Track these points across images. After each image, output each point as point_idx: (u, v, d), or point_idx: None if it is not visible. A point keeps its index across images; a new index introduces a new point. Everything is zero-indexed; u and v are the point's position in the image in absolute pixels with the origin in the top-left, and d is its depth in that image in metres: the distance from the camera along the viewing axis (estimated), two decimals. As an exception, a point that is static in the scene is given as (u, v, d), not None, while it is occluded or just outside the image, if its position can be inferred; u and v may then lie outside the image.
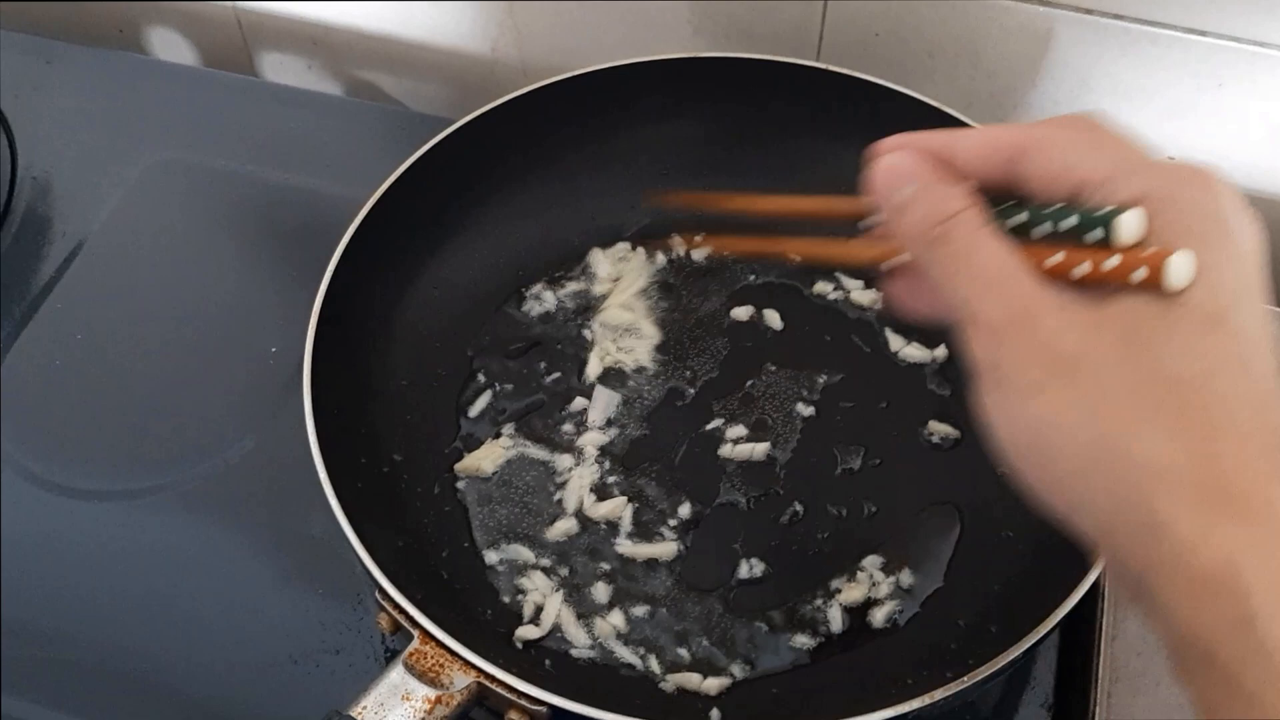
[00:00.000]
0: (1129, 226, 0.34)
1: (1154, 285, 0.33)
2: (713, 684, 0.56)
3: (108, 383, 0.70)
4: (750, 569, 0.60)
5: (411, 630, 0.49)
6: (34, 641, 0.60)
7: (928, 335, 0.68)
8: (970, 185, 0.37)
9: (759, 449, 0.63)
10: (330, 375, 0.58)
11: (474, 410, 0.65)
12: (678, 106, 0.72)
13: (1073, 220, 0.35)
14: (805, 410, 0.65)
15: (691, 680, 0.56)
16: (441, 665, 0.48)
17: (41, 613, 0.61)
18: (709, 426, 0.65)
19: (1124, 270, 0.33)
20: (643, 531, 0.61)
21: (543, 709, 0.48)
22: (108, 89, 0.86)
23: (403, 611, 0.49)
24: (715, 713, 0.55)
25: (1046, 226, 0.36)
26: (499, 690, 0.48)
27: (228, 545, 0.64)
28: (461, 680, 0.48)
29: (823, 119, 0.72)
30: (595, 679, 0.56)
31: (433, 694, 0.47)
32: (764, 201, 0.53)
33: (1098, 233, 0.35)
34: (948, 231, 0.36)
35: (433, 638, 0.49)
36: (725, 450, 0.64)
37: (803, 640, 0.57)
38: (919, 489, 0.62)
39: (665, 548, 0.60)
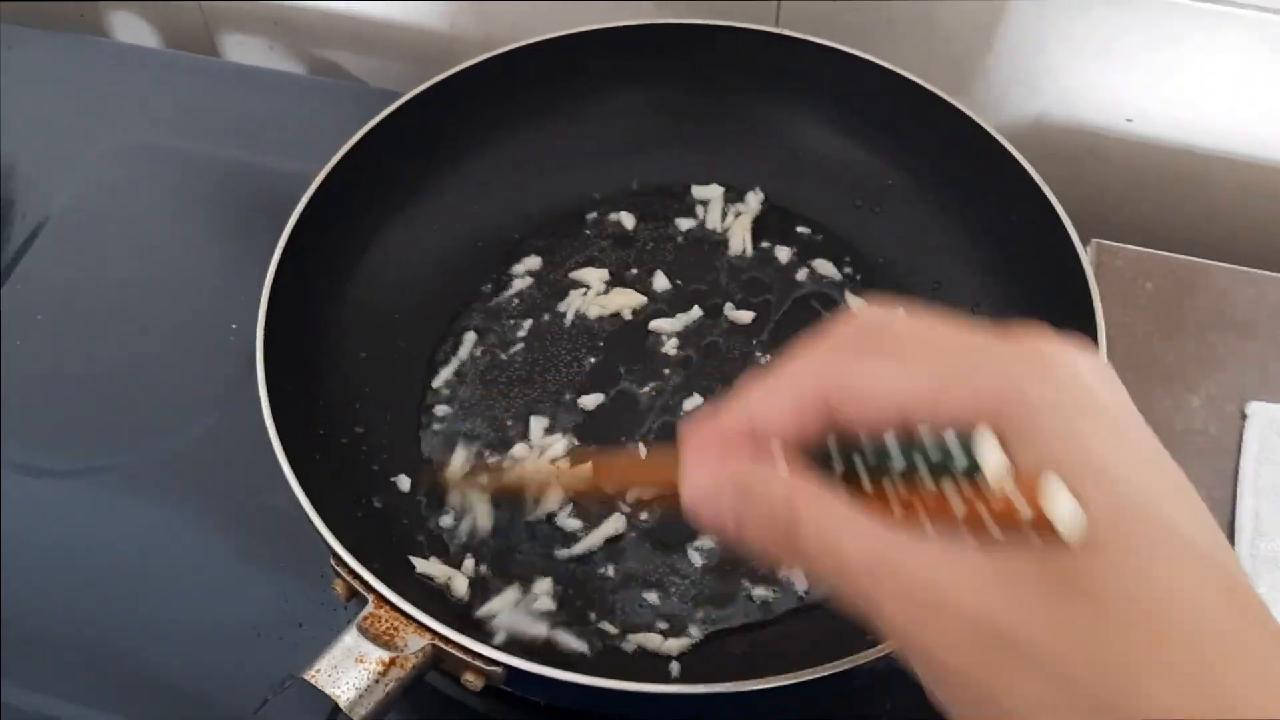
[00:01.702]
0: (991, 456, 0.29)
1: (1041, 526, 0.28)
2: (673, 644, 0.56)
3: (69, 363, 0.70)
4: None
5: (366, 594, 0.49)
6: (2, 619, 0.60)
7: (886, 300, 0.68)
8: (780, 451, 0.32)
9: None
10: (285, 350, 0.58)
11: (437, 382, 0.65)
12: (636, 73, 0.72)
13: (907, 462, 0.30)
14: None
15: (651, 640, 0.56)
16: (395, 628, 0.48)
17: (4, 590, 0.61)
18: (671, 395, 0.65)
19: (1004, 517, 0.28)
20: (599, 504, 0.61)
21: (498, 670, 0.48)
22: (69, 73, 0.86)
23: (356, 576, 0.49)
24: (675, 666, 0.55)
25: (904, 465, 0.31)
26: (454, 652, 0.48)
27: (191, 521, 0.64)
28: (416, 642, 0.48)
29: (782, 85, 0.72)
30: (551, 640, 0.56)
31: (387, 656, 0.47)
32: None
33: (951, 462, 0.29)
34: (791, 525, 0.31)
35: (387, 601, 0.49)
36: (684, 415, 0.64)
37: (763, 595, 0.58)
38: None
39: (614, 523, 0.60)
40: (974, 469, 0.29)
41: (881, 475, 0.31)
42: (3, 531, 0.63)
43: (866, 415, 0.31)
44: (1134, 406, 0.32)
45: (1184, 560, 0.28)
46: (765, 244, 0.71)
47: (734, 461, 0.33)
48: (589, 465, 0.49)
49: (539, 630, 0.56)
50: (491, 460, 0.61)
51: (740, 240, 0.71)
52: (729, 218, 0.71)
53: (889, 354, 0.32)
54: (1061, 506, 0.27)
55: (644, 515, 0.60)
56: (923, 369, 0.31)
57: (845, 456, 0.32)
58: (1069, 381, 0.30)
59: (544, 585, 0.58)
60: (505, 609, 0.57)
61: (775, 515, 0.32)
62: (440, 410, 0.64)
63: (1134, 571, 0.28)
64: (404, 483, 0.61)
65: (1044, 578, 0.28)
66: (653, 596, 0.58)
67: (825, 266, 0.70)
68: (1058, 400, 0.29)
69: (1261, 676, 0.27)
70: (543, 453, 0.62)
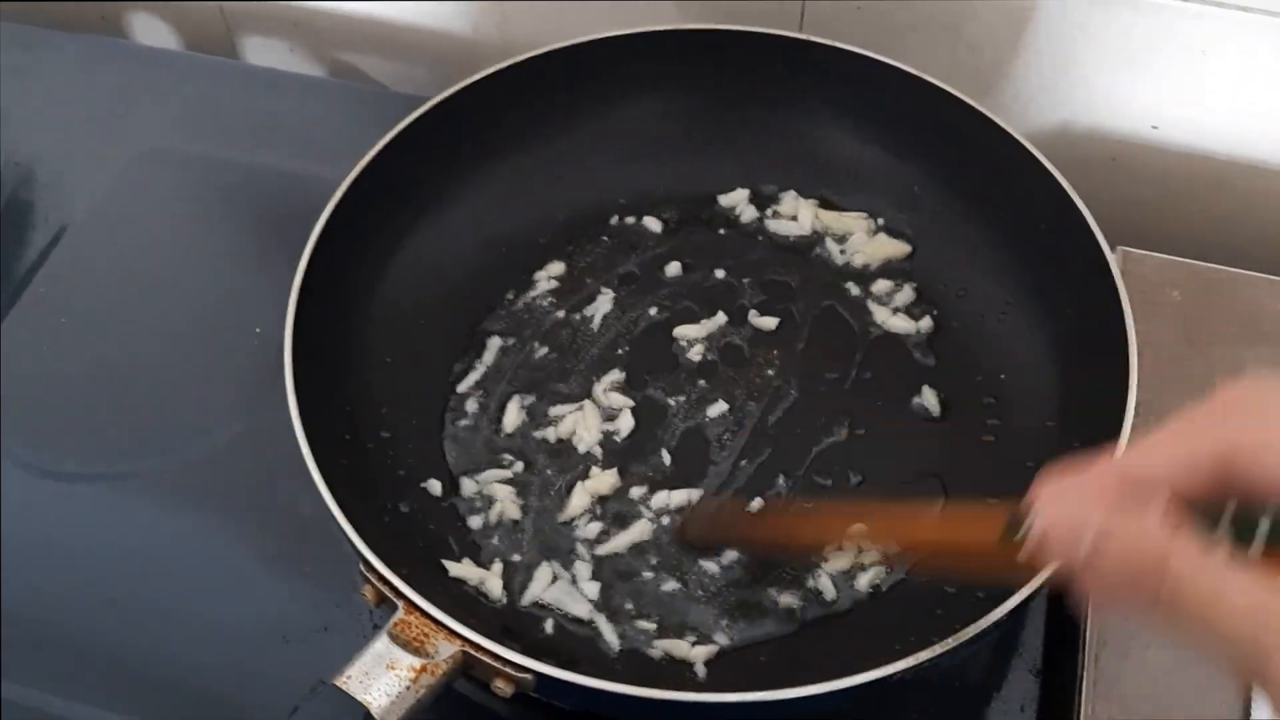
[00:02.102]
0: None
1: None
2: (700, 651, 0.56)
3: (94, 367, 0.70)
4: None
5: (396, 601, 0.49)
6: (26, 625, 0.59)
7: (913, 307, 0.68)
8: (1163, 503, 0.32)
9: (747, 422, 0.63)
10: (312, 354, 0.58)
11: (463, 386, 0.65)
12: (660, 79, 0.72)
13: None
14: (790, 385, 0.65)
15: (679, 647, 0.56)
16: (426, 635, 0.48)
17: (33, 597, 0.60)
18: (696, 403, 0.65)
19: None
20: (624, 509, 0.61)
21: (528, 677, 0.48)
22: (91, 75, 0.86)
23: (386, 582, 0.49)
24: (701, 673, 0.55)
25: None
26: (484, 659, 0.48)
27: (218, 526, 0.64)
28: (446, 649, 0.48)
29: (807, 90, 0.72)
30: (580, 647, 0.56)
31: (418, 663, 0.47)
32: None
33: None
34: (1161, 579, 0.31)
35: (417, 608, 0.48)
36: (710, 422, 0.64)
37: (790, 606, 0.57)
38: (904, 458, 0.62)
39: (640, 528, 0.60)
40: None
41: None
42: (28, 537, 0.63)
43: (1257, 481, 0.31)
44: None
45: None
46: (793, 245, 0.71)
47: (1106, 495, 0.32)
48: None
49: (582, 609, 0.57)
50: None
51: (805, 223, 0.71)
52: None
53: None
54: None
55: (666, 520, 0.60)
56: None
57: (1233, 520, 0.32)
58: None
59: (584, 570, 0.58)
60: (545, 587, 0.57)
61: (1144, 558, 0.31)
62: (465, 415, 0.64)
63: None
64: (433, 486, 0.61)
65: None
66: (679, 603, 0.58)
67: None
68: None
69: None
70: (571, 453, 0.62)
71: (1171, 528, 0.31)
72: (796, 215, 0.71)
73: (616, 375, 0.65)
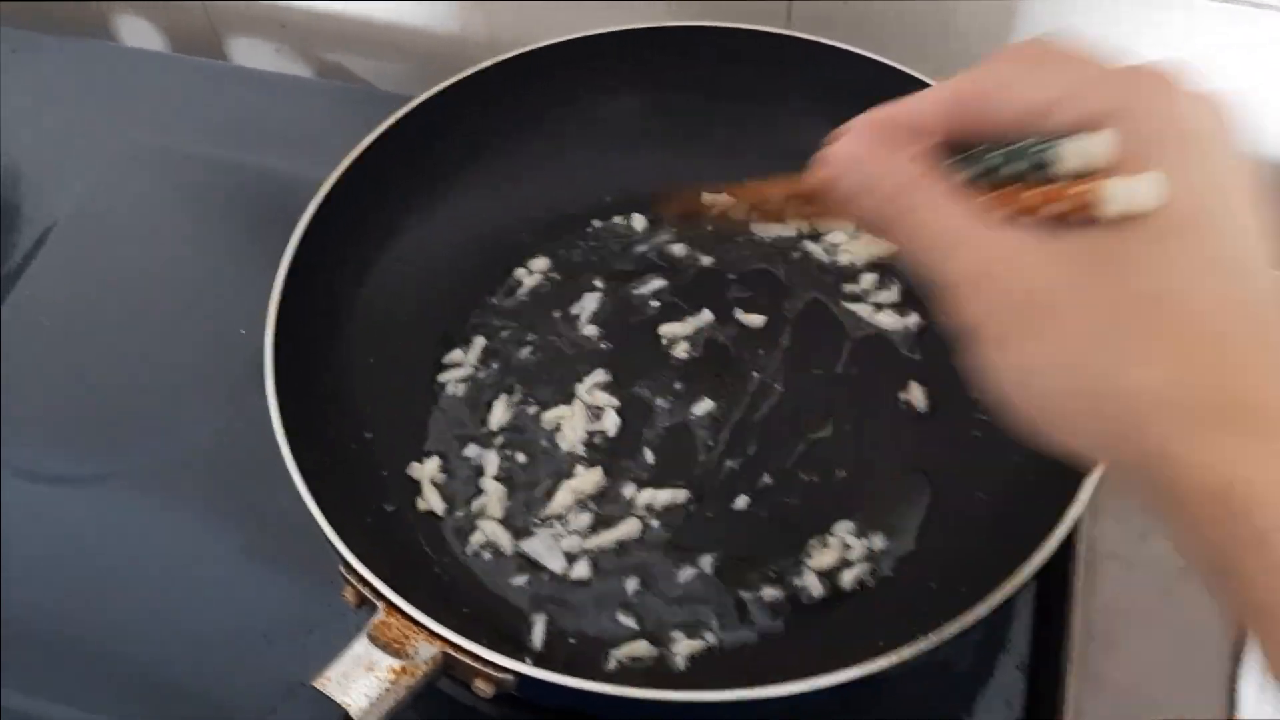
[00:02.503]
0: (1070, 155, 0.32)
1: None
2: (684, 648, 0.56)
3: (76, 368, 0.70)
4: (723, 535, 0.59)
5: (376, 602, 0.49)
6: (5, 623, 0.59)
7: (899, 304, 0.68)
8: (920, 148, 0.35)
9: (732, 419, 0.63)
10: (294, 354, 0.58)
11: (447, 385, 0.65)
12: (647, 76, 0.72)
13: (1023, 159, 0.33)
14: (776, 382, 0.65)
15: (664, 645, 0.56)
16: (406, 636, 0.48)
17: (12, 596, 0.60)
18: (682, 401, 0.64)
19: (1079, 201, 0.31)
20: (613, 505, 0.61)
21: (509, 677, 0.48)
22: (75, 77, 0.86)
23: (366, 583, 0.49)
24: (683, 671, 0.55)
25: (1011, 166, 0.34)
26: (465, 660, 0.48)
27: (200, 526, 0.63)
28: (427, 650, 0.48)
29: (794, 86, 0.72)
30: (562, 647, 0.56)
31: (397, 664, 0.47)
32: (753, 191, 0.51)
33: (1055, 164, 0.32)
34: (899, 204, 0.35)
35: (397, 609, 0.48)
36: (696, 420, 0.63)
37: (775, 603, 0.57)
38: (891, 454, 0.62)
39: (629, 526, 0.60)
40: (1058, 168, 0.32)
41: (998, 177, 0.34)
42: (10, 538, 0.62)
43: (1007, 115, 0.33)
44: (1238, 146, 0.33)
45: (1227, 267, 0.30)
46: (778, 242, 0.71)
47: (873, 143, 0.36)
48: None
49: (582, 572, 0.58)
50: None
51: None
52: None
53: (1035, 63, 0.34)
54: (1122, 183, 0.30)
55: (655, 523, 0.60)
56: (1056, 77, 0.33)
57: (994, 161, 0.34)
58: (1177, 112, 0.32)
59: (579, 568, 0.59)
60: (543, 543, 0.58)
61: (884, 191, 0.35)
62: (449, 414, 0.64)
63: (1171, 255, 0.30)
64: (414, 488, 0.61)
65: (1089, 252, 0.31)
66: (663, 601, 0.57)
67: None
68: (1160, 127, 0.31)
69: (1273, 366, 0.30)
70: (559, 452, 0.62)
71: (917, 164, 0.35)
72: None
73: (602, 374, 0.65)
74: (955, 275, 0.33)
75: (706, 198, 0.51)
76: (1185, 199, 0.31)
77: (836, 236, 0.70)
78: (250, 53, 0.92)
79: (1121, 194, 0.30)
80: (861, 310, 0.67)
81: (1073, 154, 0.32)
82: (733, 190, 0.50)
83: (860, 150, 0.36)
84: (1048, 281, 0.32)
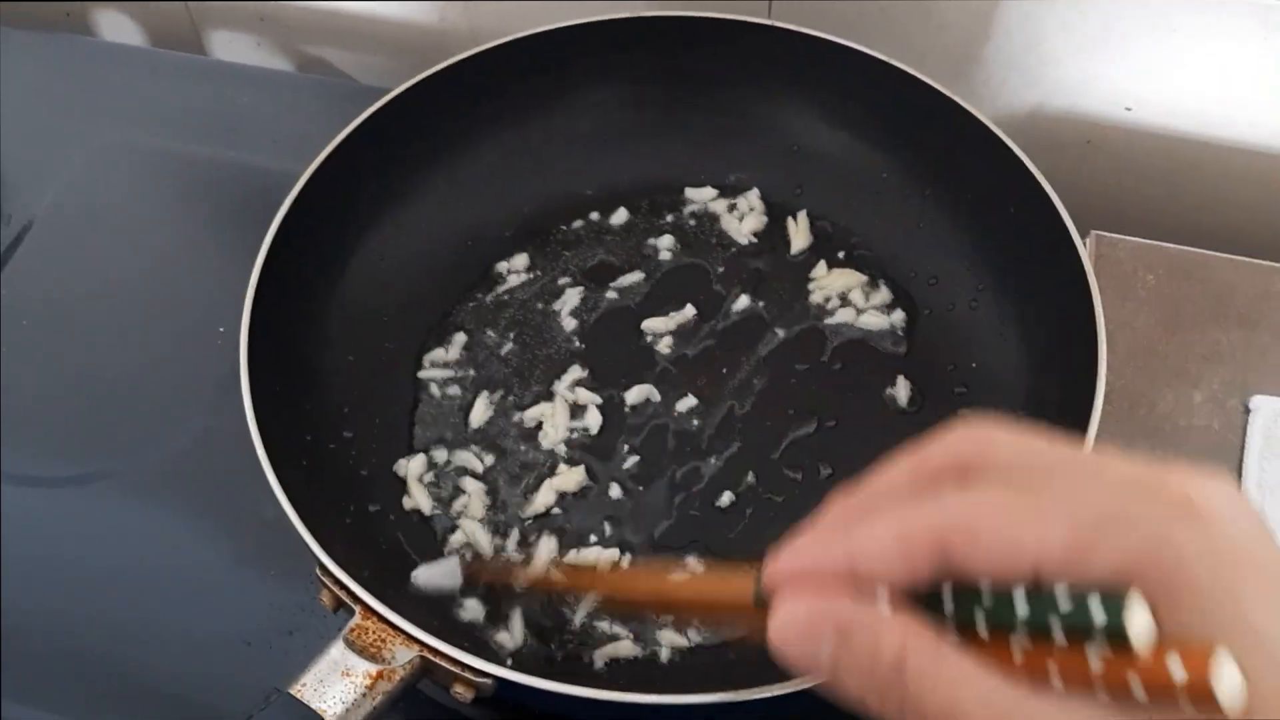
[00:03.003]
0: (1138, 630, 0.26)
1: (1198, 696, 0.26)
2: (667, 651, 0.55)
3: (56, 367, 0.69)
4: (707, 532, 0.59)
5: (353, 605, 0.48)
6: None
7: (886, 305, 0.67)
8: (891, 597, 0.30)
9: (715, 415, 0.63)
10: (271, 353, 0.57)
11: (428, 387, 0.64)
12: (627, 68, 0.71)
13: (1036, 616, 0.28)
14: (760, 377, 0.64)
15: (649, 646, 0.55)
16: (383, 640, 0.47)
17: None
18: (664, 397, 0.64)
19: (1155, 684, 0.26)
20: (592, 505, 0.60)
21: (488, 681, 0.47)
22: (55, 73, 0.85)
23: (342, 586, 0.49)
24: (667, 674, 0.54)
25: (1034, 619, 0.28)
26: (442, 664, 0.47)
27: (180, 528, 0.63)
28: (404, 654, 0.47)
29: (775, 77, 0.71)
30: (544, 648, 0.55)
31: (374, 669, 0.46)
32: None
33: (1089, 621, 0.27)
34: (897, 679, 0.29)
35: (374, 612, 0.48)
36: (678, 416, 0.63)
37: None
38: (875, 450, 0.61)
39: (611, 524, 0.59)
40: (1117, 630, 0.27)
41: (1002, 625, 0.29)
42: (-12, 541, 0.62)
43: (992, 565, 0.29)
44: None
45: None
46: (760, 239, 0.70)
47: (835, 601, 0.30)
48: (636, 576, 0.48)
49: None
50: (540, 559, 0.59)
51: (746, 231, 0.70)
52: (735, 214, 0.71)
53: (1018, 490, 0.29)
54: (1227, 677, 0.25)
55: (638, 521, 0.59)
56: (1060, 518, 0.28)
57: (959, 602, 0.30)
58: (1223, 534, 0.27)
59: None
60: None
61: (879, 663, 0.29)
62: (430, 412, 0.63)
63: None
64: (397, 486, 0.60)
65: None
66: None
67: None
68: (1214, 558, 0.27)
69: None
70: (541, 456, 0.62)
71: (903, 620, 0.29)
72: (757, 209, 0.71)
73: (583, 370, 0.65)
74: None
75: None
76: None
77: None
78: (230, 47, 0.92)
79: (1232, 680, 0.26)
80: (846, 309, 0.67)
81: (1141, 619, 0.27)
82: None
83: (826, 615, 0.30)
84: None
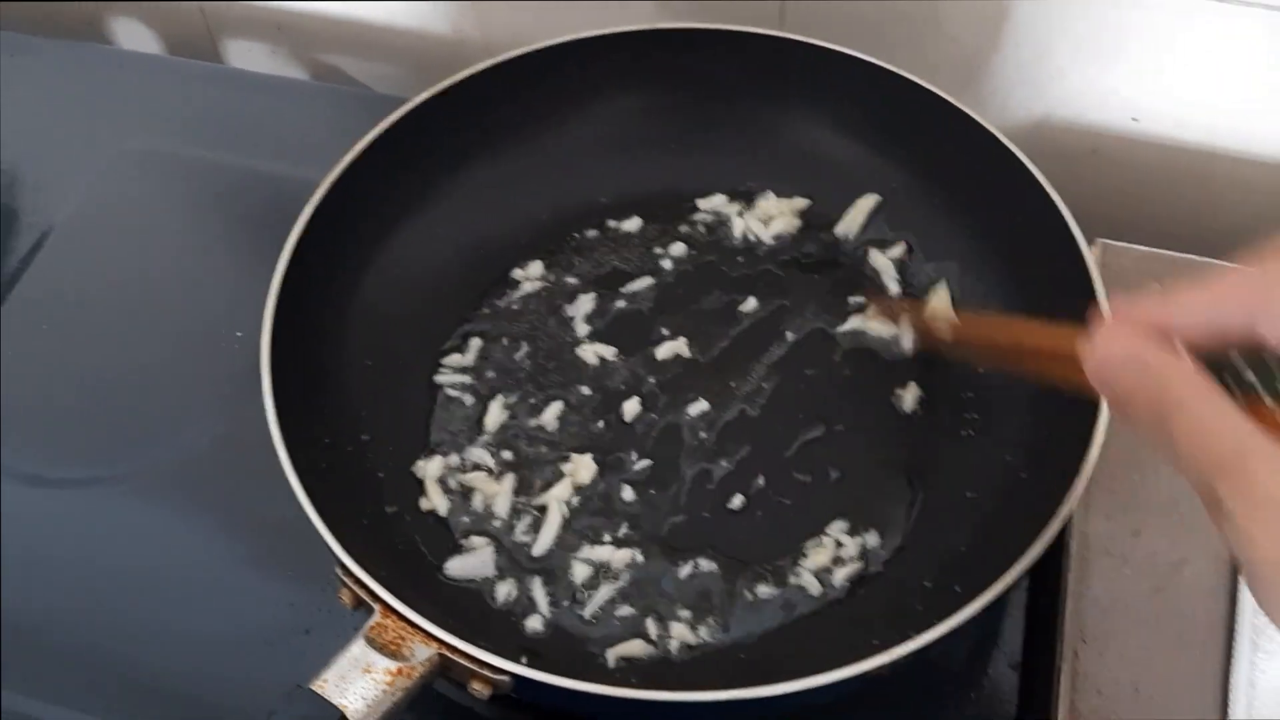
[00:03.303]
0: None
1: None
2: (681, 647, 0.56)
3: (75, 370, 0.70)
4: (718, 534, 0.60)
5: (373, 604, 0.49)
6: (3, 625, 0.60)
7: (890, 308, 0.68)
8: (1193, 356, 0.35)
9: (726, 419, 0.64)
10: (290, 357, 0.58)
11: (444, 387, 0.65)
12: (640, 78, 0.72)
13: None
14: (770, 382, 0.65)
15: (659, 644, 0.56)
16: (403, 638, 0.48)
17: (9, 598, 0.61)
18: (676, 400, 0.65)
19: None
20: (608, 506, 0.61)
21: (505, 678, 0.48)
22: (73, 80, 0.86)
23: (362, 585, 0.49)
24: (678, 661, 0.55)
25: None
26: (461, 661, 0.48)
27: (199, 530, 0.64)
28: (423, 652, 0.48)
29: (786, 88, 0.72)
30: (559, 647, 0.56)
31: (394, 666, 0.47)
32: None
33: None
34: (1181, 410, 0.33)
35: (394, 611, 0.49)
36: (690, 420, 0.64)
37: (770, 602, 0.58)
38: (883, 454, 0.63)
39: (624, 526, 0.60)
40: None
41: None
42: (8, 541, 0.63)
43: (1268, 330, 0.33)
44: None
45: None
46: (771, 246, 0.71)
47: (1142, 342, 0.36)
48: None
49: (580, 572, 0.58)
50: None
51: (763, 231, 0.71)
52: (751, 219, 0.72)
53: None
54: None
55: (651, 523, 0.60)
56: None
57: (1247, 369, 0.34)
58: None
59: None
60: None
61: (1162, 398, 0.34)
62: (446, 415, 0.64)
63: None
64: (414, 488, 0.61)
65: None
66: (659, 600, 0.58)
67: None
68: None
69: None
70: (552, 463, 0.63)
71: (1194, 369, 0.34)
72: (775, 216, 0.71)
73: (596, 376, 0.65)
74: (1240, 506, 0.31)
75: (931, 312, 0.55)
76: None
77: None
78: (246, 55, 0.93)
79: None
80: (855, 315, 0.68)
81: None
82: (969, 320, 0.54)
83: (1137, 350, 0.36)
84: None
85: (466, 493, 0.61)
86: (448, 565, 0.58)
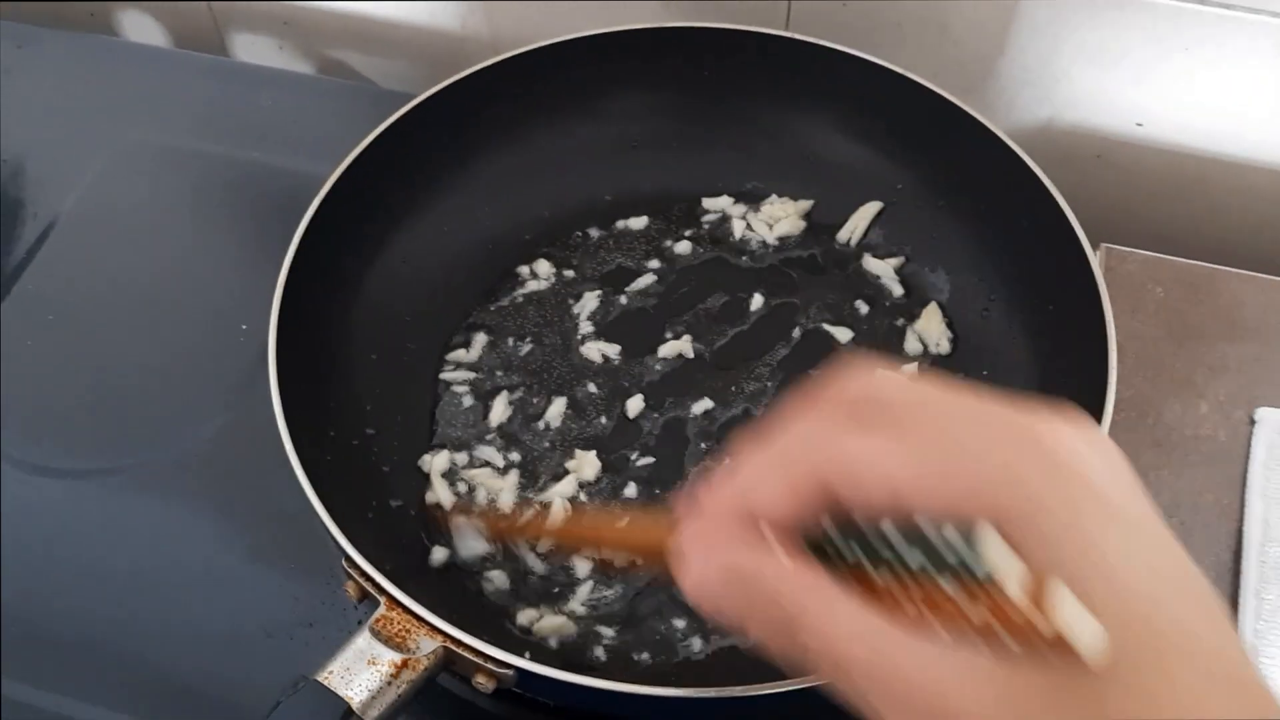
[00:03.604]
0: (1004, 567, 0.26)
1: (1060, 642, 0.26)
2: (685, 644, 0.56)
3: (80, 363, 0.70)
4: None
5: (378, 596, 0.49)
6: (6, 617, 0.60)
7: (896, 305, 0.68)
8: (781, 539, 0.31)
9: (729, 417, 0.64)
10: (297, 351, 0.58)
11: (449, 382, 0.65)
12: (646, 77, 0.73)
13: (906, 555, 0.28)
14: (775, 381, 0.65)
15: (659, 646, 0.56)
16: (408, 630, 0.48)
17: (14, 590, 0.61)
18: (680, 399, 0.65)
19: (1012, 622, 0.26)
20: (610, 501, 0.61)
21: (509, 672, 0.48)
22: (79, 72, 0.86)
23: (368, 578, 0.50)
24: (682, 658, 0.55)
25: (909, 559, 0.29)
26: (465, 654, 0.48)
27: (202, 521, 0.64)
28: (428, 644, 0.48)
29: (792, 88, 0.72)
30: (561, 642, 0.56)
31: (399, 658, 0.47)
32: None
33: (957, 558, 0.27)
34: (793, 629, 0.30)
35: (398, 603, 0.49)
36: (693, 418, 0.64)
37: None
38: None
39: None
40: (980, 568, 0.27)
41: (885, 565, 0.29)
42: (13, 533, 0.63)
43: (862, 499, 0.30)
44: (1141, 490, 0.30)
45: (1201, 679, 0.27)
46: (776, 247, 0.71)
47: (734, 551, 0.31)
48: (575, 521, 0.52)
49: (584, 568, 0.58)
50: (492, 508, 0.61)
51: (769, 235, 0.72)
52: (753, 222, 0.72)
53: (883, 427, 0.30)
54: (1082, 627, 0.26)
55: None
56: (917, 450, 0.29)
57: (847, 542, 0.30)
58: (1073, 471, 0.28)
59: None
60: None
61: (777, 610, 0.30)
62: (451, 410, 0.64)
63: (1149, 696, 0.26)
64: (419, 482, 0.61)
65: (1057, 699, 0.26)
66: (665, 600, 0.58)
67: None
68: (1063, 494, 0.28)
69: None
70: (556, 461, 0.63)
71: (794, 565, 0.30)
72: (781, 218, 0.72)
73: (601, 372, 0.66)
74: (888, 706, 0.28)
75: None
76: (1138, 608, 0.27)
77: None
78: (253, 49, 0.93)
79: (1091, 636, 0.26)
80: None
81: (999, 556, 0.27)
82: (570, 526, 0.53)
83: (731, 560, 0.31)
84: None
85: (471, 488, 0.62)
86: (433, 554, 0.59)
